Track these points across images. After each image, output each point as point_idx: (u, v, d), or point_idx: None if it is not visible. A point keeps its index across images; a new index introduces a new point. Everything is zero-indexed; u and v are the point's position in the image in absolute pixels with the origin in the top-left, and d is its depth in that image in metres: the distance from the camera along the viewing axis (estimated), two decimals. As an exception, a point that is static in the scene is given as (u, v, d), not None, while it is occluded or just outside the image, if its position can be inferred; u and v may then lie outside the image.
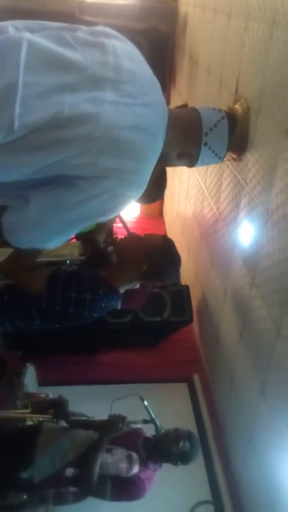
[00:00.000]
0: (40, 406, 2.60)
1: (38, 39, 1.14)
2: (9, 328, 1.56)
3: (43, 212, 1.17)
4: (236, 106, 2.16)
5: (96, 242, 1.90)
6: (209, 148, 1.45)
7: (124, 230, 1.91)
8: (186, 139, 1.43)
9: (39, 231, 1.21)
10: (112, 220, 2.23)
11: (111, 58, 1.19)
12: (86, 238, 2.10)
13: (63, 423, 2.31)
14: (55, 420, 2.29)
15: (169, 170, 1.80)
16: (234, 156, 2.25)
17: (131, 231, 1.84)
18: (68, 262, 2.94)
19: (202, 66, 3.14)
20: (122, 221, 1.91)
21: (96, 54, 1.19)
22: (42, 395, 2.80)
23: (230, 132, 1.49)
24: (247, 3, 2.11)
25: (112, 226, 3.01)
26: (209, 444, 2.93)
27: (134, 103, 1.17)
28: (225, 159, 1.67)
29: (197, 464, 2.39)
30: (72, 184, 1.14)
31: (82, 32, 1.27)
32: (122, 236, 1.90)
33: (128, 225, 1.93)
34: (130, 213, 5.39)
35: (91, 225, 1.93)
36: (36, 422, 2.50)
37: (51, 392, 2.79)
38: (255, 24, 2.02)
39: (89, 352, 3.56)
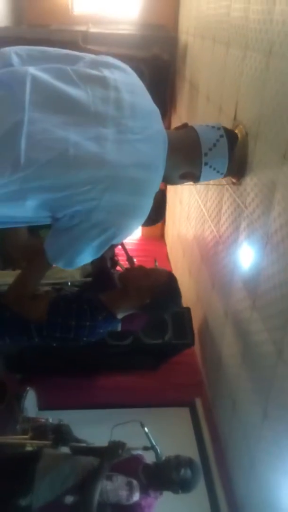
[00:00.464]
0: (40, 431, 2.56)
1: (41, 74, 1.19)
2: (8, 343, 1.60)
3: (60, 249, 1.31)
4: (235, 131, 2.21)
5: (104, 259, 1.92)
6: (210, 166, 1.46)
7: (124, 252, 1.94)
8: (187, 161, 1.46)
9: (65, 259, 1.34)
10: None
11: (112, 94, 1.25)
12: None
13: (63, 449, 2.28)
14: (55, 446, 2.26)
15: (170, 192, 1.83)
16: (234, 180, 2.29)
17: (130, 255, 1.87)
18: (69, 284, 2.97)
19: (202, 93, 3.22)
20: (122, 246, 1.95)
21: (97, 90, 1.24)
22: (42, 420, 2.77)
23: (230, 148, 1.48)
24: (244, 34, 2.18)
25: (115, 247, 3.05)
26: (211, 469, 2.87)
27: (135, 139, 1.23)
28: (225, 183, 1.71)
29: (199, 490, 2.34)
30: (82, 221, 1.21)
31: (84, 62, 1.32)
32: (124, 261, 1.93)
33: (131, 247, 1.96)
34: (132, 235, 5.42)
35: None
36: (35, 447, 2.46)
37: (51, 417, 2.76)
38: (252, 53, 2.08)
39: (90, 375, 3.52)
